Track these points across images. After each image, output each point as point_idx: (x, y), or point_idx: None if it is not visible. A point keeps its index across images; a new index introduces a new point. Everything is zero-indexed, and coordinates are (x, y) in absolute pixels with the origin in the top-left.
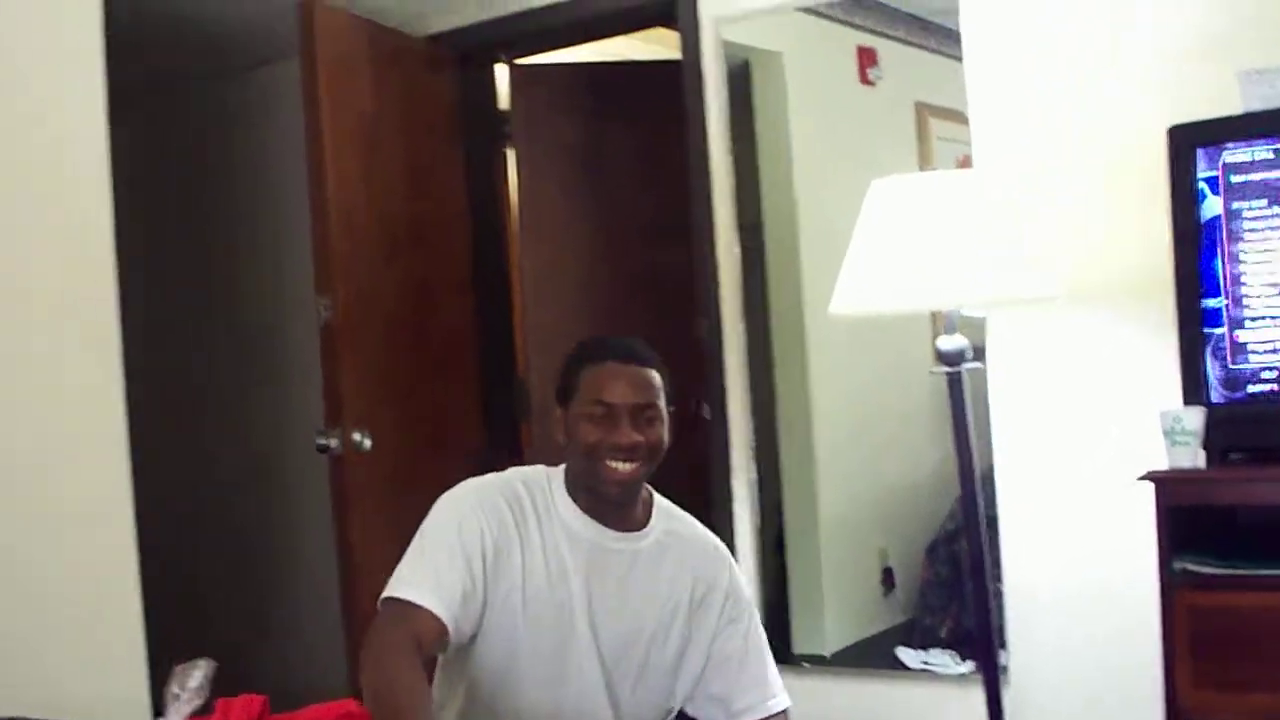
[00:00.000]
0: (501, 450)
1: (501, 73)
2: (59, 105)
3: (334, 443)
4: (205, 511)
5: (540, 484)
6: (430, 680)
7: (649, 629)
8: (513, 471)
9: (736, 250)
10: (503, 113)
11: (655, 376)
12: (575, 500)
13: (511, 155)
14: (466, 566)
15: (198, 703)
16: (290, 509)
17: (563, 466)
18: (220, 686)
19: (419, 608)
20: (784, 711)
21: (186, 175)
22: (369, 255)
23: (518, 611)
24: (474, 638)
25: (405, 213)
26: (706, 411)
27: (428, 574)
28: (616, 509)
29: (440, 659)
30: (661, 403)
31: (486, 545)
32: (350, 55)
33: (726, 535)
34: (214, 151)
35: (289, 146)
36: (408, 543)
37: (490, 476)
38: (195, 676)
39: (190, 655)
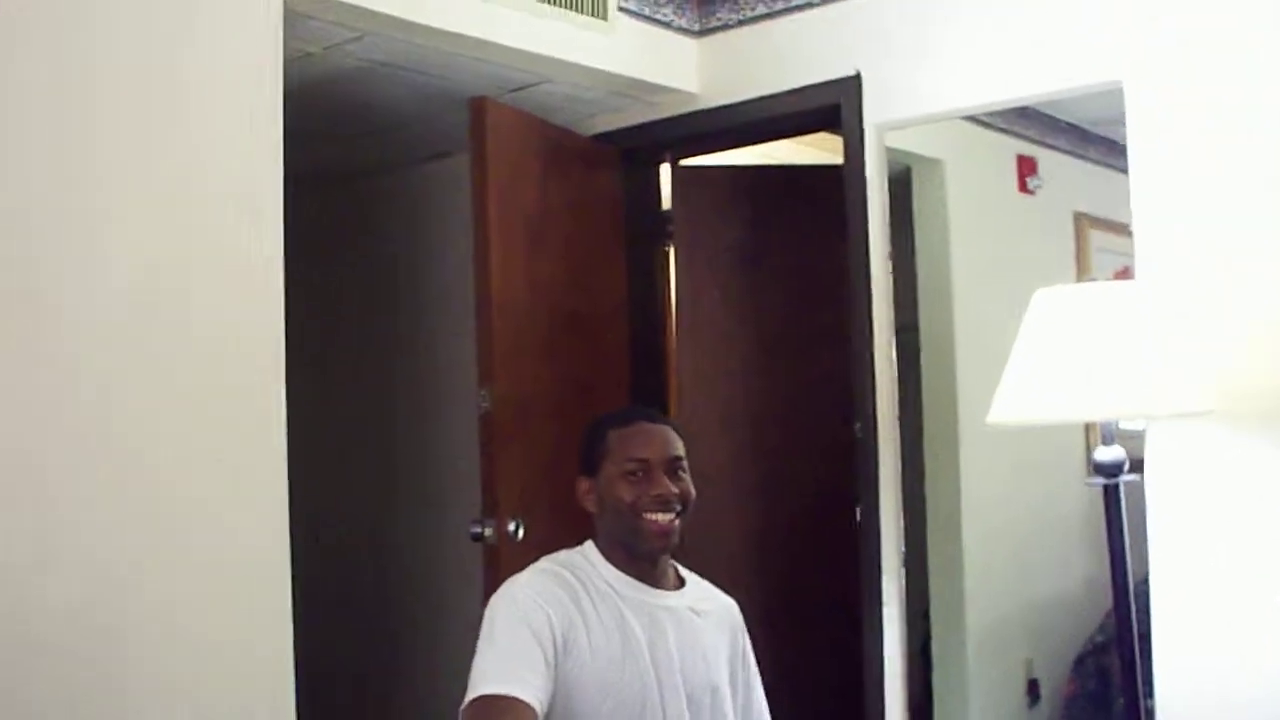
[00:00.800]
0: None
1: (665, 173)
2: (240, 196)
3: (488, 532)
4: (356, 593)
5: (578, 562)
6: None
7: (713, 683)
8: (544, 560)
9: (893, 354)
10: (665, 213)
11: (677, 435)
12: (616, 565)
13: (672, 255)
14: (540, 651)
15: None
16: (440, 597)
17: (589, 543)
18: None
19: (511, 699)
20: None
21: (352, 264)
22: (530, 349)
23: (589, 684)
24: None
25: (566, 308)
26: (858, 515)
27: (509, 666)
28: (654, 568)
29: None
30: (685, 457)
31: (555, 630)
32: (519, 151)
33: (874, 640)
34: (379, 242)
35: (454, 239)
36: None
37: (529, 571)
38: None
39: None
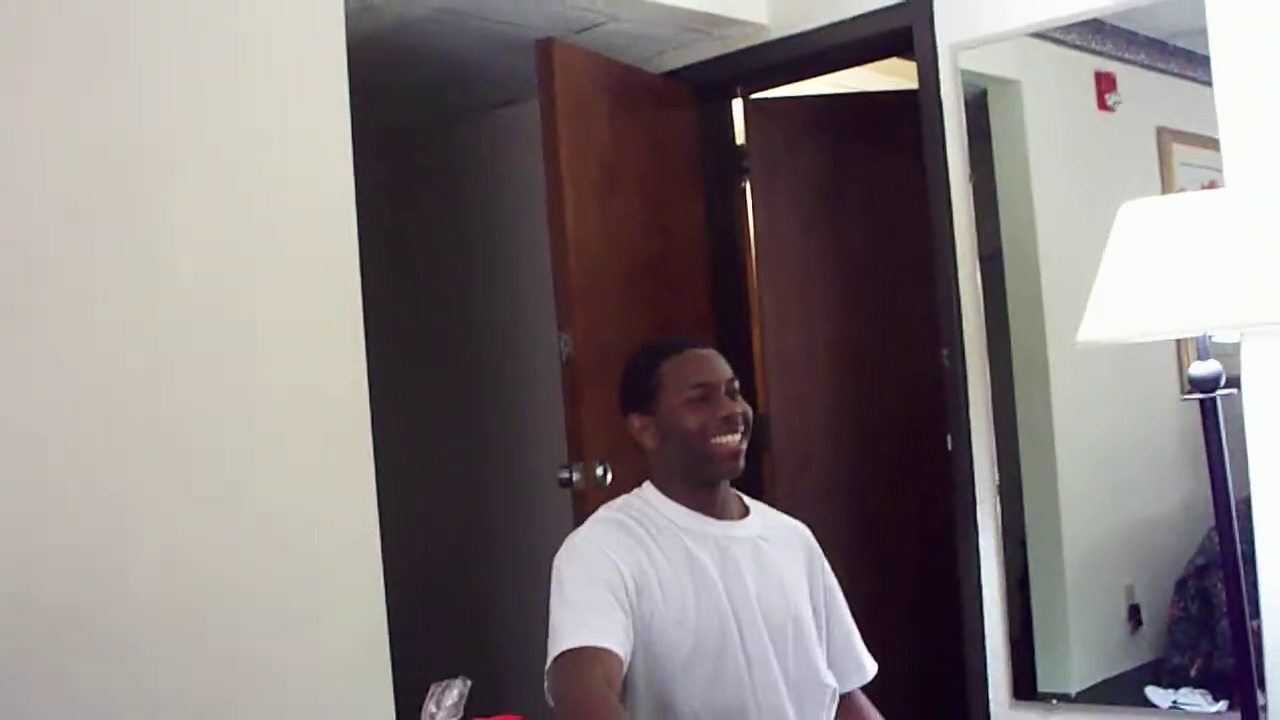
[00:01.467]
0: (742, 483)
1: (737, 107)
2: (309, 154)
3: (576, 476)
4: (446, 543)
5: (636, 505)
6: None
7: (794, 611)
8: (602, 510)
9: (978, 280)
10: (739, 148)
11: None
12: (676, 500)
13: (749, 190)
14: (615, 601)
15: None
16: (530, 543)
17: (646, 484)
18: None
19: (596, 649)
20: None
21: (428, 217)
22: (609, 292)
23: (666, 625)
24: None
25: (644, 249)
26: (949, 444)
27: (587, 618)
28: (716, 498)
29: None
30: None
31: (625, 577)
32: (588, 92)
33: (971, 570)
34: (454, 193)
35: (528, 185)
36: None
37: (589, 523)
38: (451, 695)
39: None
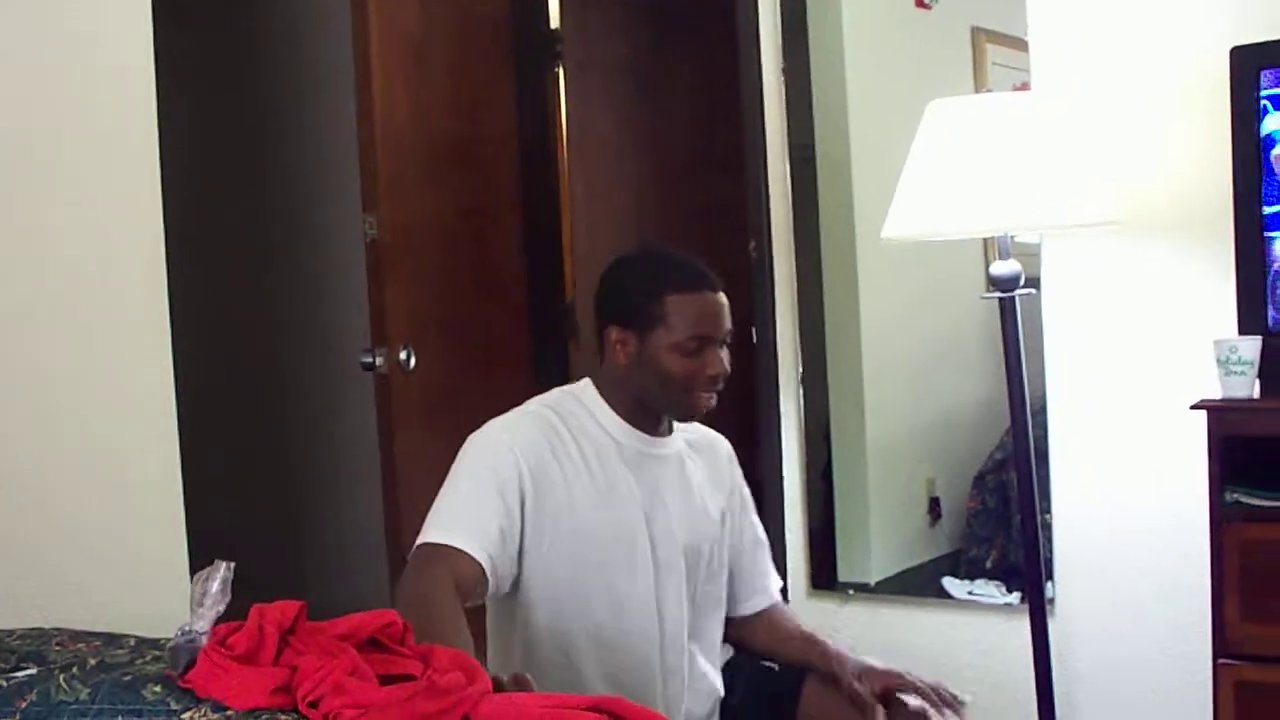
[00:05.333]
0: (548, 372)
1: None
2: (109, 16)
3: (379, 361)
4: (247, 430)
5: (569, 405)
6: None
7: (711, 533)
8: (534, 401)
9: (788, 173)
10: (553, 32)
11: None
12: (617, 411)
13: (562, 75)
14: (502, 503)
15: (220, 607)
16: (334, 429)
17: (586, 382)
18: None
19: (456, 550)
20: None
21: (233, 94)
22: (416, 175)
23: (571, 533)
24: (520, 575)
25: (453, 132)
26: (755, 337)
27: (462, 516)
28: (658, 418)
29: (490, 611)
30: None
31: (524, 477)
32: None
33: (774, 461)
34: (260, 69)
35: (338, 64)
36: (451, 463)
37: (514, 411)
38: (215, 580)
39: (235, 579)
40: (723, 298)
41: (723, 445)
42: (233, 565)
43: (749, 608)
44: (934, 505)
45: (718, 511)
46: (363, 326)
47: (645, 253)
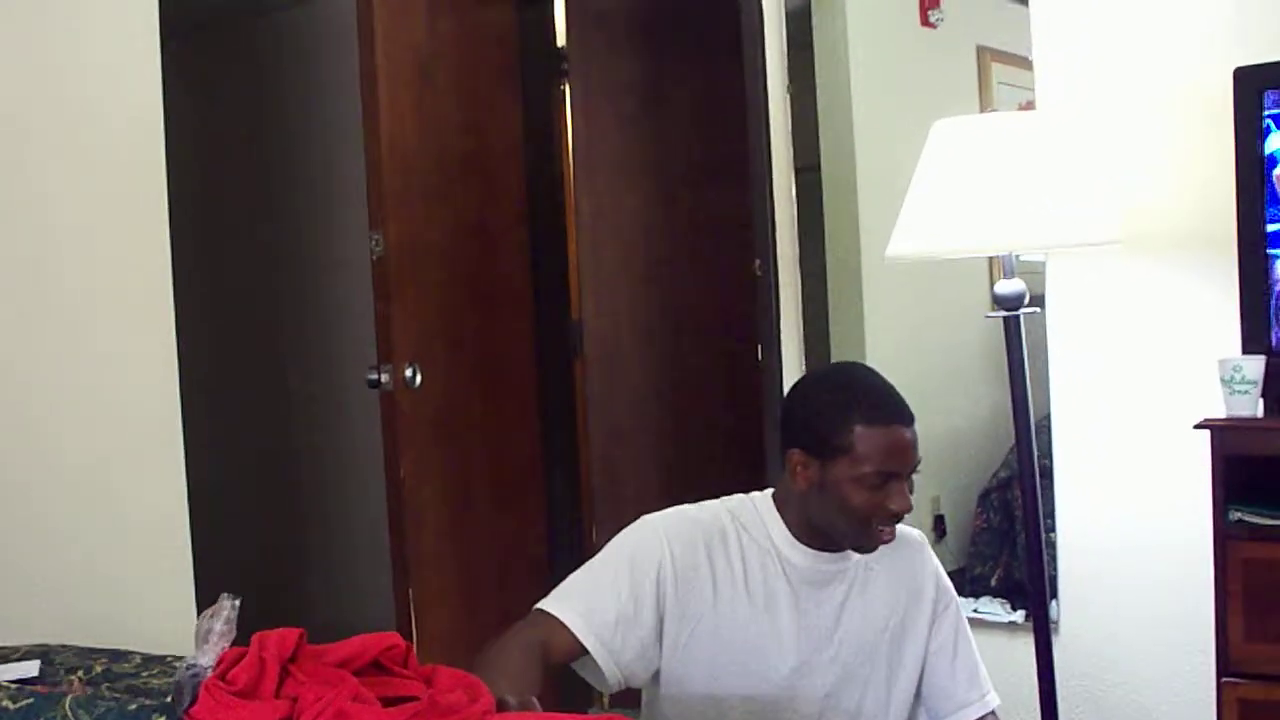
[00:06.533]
0: (553, 389)
1: (559, 7)
2: (113, 42)
3: (385, 378)
4: (255, 449)
5: (748, 513)
6: (541, 680)
7: (871, 650)
8: (717, 502)
9: (793, 191)
10: (560, 49)
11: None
12: (792, 532)
13: (568, 92)
14: (632, 591)
15: (225, 643)
16: (341, 447)
17: (770, 494)
18: (268, 625)
19: (559, 622)
20: (994, 711)
21: (240, 110)
22: (422, 191)
23: (711, 637)
24: (660, 668)
25: (460, 149)
26: (760, 356)
27: (582, 593)
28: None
29: (643, 691)
30: None
31: (665, 568)
32: None
33: (775, 476)
34: (268, 87)
35: (344, 82)
36: (457, 479)
37: (685, 508)
38: (221, 616)
39: (242, 599)
40: (913, 432)
41: (910, 541)
42: (238, 602)
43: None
44: (939, 523)
45: (884, 628)
46: (369, 344)
47: (838, 377)
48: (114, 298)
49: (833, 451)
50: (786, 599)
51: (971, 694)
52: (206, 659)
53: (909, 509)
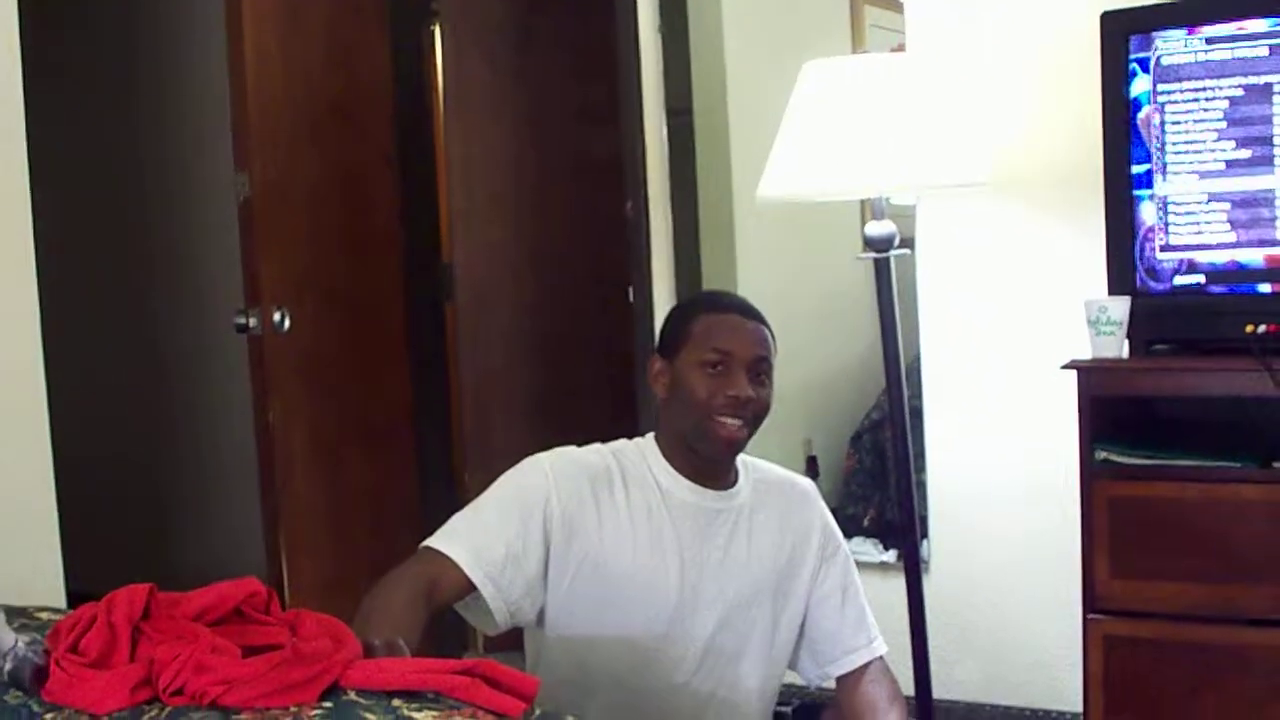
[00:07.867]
0: (424, 333)
1: None
2: None
3: (253, 322)
4: (123, 397)
5: (631, 453)
6: (425, 621)
7: (754, 591)
8: (596, 445)
9: (664, 132)
10: None
11: (770, 335)
12: (672, 464)
13: (438, 33)
14: (520, 528)
15: (27, 655)
16: (213, 391)
17: (652, 435)
18: (142, 576)
19: (445, 557)
20: (881, 657)
21: (106, 49)
22: (290, 133)
23: (596, 578)
24: (544, 608)
25: (327, 91)
26: (630, 295)
27: (470, 530)
28: (714, 469)
29: (525, 639)
30: (773, 362)
31: (552, 510)
32: None
33: (648, 418)
34: (136, 26)
35: (209, 19)
36: (327, 425)
37: (569, 449)
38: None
39: (109, 546)
40: (756, 324)
41: (799, 488)
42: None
43: (837, 669)
44: (811, 464)
45: (771, 571)
46: (237, 287)
47: (697, 293)
48: None
49: (678, 345)
50: (671, 538)
51: (859, 639)
52: (12, 637)
53: (749, 398)
